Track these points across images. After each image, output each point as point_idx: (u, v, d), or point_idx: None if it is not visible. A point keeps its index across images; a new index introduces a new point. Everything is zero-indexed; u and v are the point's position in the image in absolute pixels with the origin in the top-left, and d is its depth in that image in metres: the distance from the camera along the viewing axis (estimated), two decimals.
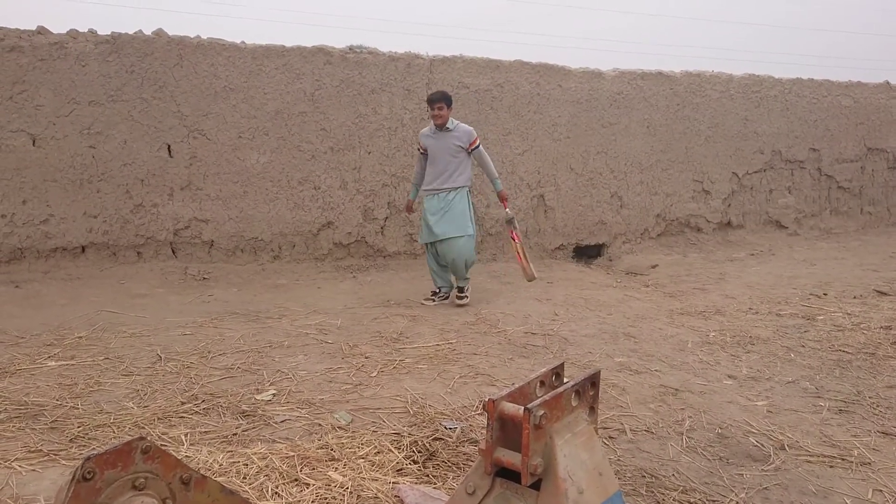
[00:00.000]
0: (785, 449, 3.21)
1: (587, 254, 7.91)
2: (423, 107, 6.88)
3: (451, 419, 3.39)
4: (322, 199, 6.69)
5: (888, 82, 9.53)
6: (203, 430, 3.23)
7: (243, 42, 6.34)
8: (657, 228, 8.21)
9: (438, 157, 5.68)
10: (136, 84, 5.97)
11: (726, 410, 3.65)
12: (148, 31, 6.06)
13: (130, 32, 5.98)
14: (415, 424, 3.32)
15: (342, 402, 3.59)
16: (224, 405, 3.51)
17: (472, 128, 5.82)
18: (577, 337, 4.95)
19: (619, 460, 3.03)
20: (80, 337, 4.60)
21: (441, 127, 5.63)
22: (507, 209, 5.89)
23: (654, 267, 7.45)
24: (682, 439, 3.28)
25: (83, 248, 6.08)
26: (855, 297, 6.21)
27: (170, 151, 6.16)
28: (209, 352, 4.37)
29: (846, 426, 3.48)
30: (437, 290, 5.93)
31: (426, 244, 5.91)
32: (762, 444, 3.25)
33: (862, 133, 9.34)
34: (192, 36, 6.15)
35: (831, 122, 9.08)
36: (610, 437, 3.28)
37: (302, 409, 3.50)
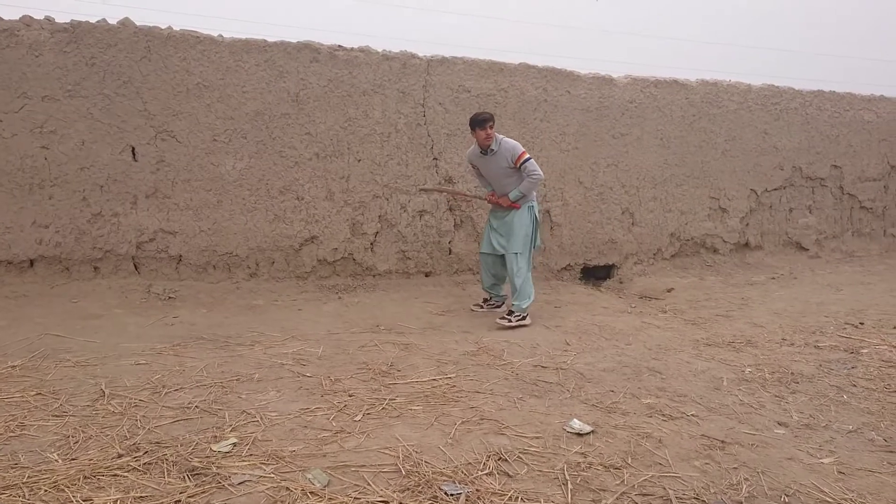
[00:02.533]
0: None
1: (596, 275, 7.26)
2: (419, 111, 6.26)
3: (453, 481, 2.72)
4: (305, 210, 6.02)
5: None
6: (139, 494, 2.54)
7: (220, 35, 5.70)
8: (671, 249, 7.57)
9: (491, 178, 5.55)
10: (98, 78, 5.31)
11: (788, 470, 2.99)
12: (113, 21, 5.41)
13: (92, 21, 5.32)
14: (407, 489, 2.64)
15: (318, 457, 2.91)
16: (171, 458, 2.83)
17: (516, 142, 5.42)
18: (595, 372, 4.29)
19: None
20: (14, 366, 3.90)
21: (487, 149, 5.35)
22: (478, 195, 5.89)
23: (669, 290, 6.81)
24: (730, 502, 2.62)
25: (31, 262, 5.38)
26: (895, 327, 5.59)
27: (134, 154, 5.49)
28: (164, 386, 3.69)
29: None
30: (488, 298, 5.88)
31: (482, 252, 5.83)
32: None
33: (885, 150, 8.77)
34: (162, 27, 5.50)
35: (854, 138, 8.51)
36: None
37: (267, 464, 2.82)
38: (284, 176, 5.91)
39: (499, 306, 5.78)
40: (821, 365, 4.58)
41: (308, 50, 5.86)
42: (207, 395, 3.59)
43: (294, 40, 5.87)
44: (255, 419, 3.29)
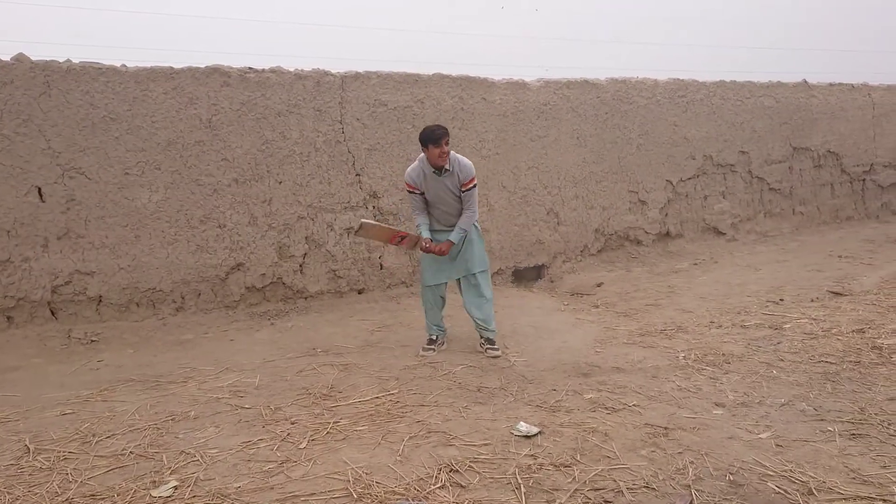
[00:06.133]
0: (814, 493, 2.66)
1: (527, 276, 7.34)
2: (338, 128, 6.19)
3: (407, 499, 2.68)
4: (229, 238, 5.86)
5: (805, 81, 9.48)
6: None
7: (124, 65, 5.50)
8: (597, 244, 7.73)
9: (438, 202, 4.73)
10: None
11: (730, 449, 3.08)
12: (6, 57, 5.16)
13: None
14: None
15: (265, 490, 2.82)
16: None
17: (471, 163, 4.69)
18: (536, 372, 4.33)
19: None
20: None
21: (441, 169, 4.57)
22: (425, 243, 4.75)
23: (599, 285, 6.95)
24: (690, 494, 2.67)
25: None
26: (812, 301, 5.88)
27: (41, 195, 5.23)
28: (94, 435, 3.51)
29: (868, 455, 2.98)
30: (434, 338, 4.95)
31: (429, 286, 4.93)
32: (786, 490, 2.69)
33: (786, 133, 9.21)
34: (60, 60, 5.27)
35: (757, 124, 8.91)
36: (606, 502, 2.63)
37: None
38: (204, 204, 5.74)
39: (444, 343, 5.03)
40: (749, 343, 4.75)
41: (217, 74, 5.73)
42: (142, 438, 3.44)
43: (202, 65, 5.72)
44: (195, 458, 3.17)
